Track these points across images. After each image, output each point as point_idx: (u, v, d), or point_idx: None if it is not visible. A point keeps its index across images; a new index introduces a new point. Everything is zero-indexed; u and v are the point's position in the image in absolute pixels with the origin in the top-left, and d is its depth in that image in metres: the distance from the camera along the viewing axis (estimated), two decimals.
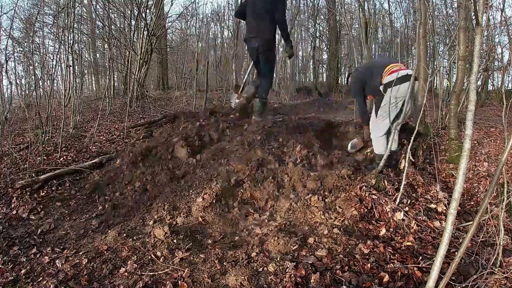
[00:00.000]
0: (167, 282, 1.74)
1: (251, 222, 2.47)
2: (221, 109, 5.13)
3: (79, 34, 8.14)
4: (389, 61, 3.23)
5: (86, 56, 12.64)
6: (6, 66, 5.34)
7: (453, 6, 10.49)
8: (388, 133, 3.13)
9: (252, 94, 3.99)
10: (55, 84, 6.20)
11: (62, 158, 3.94)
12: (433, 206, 2.57)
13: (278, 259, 1.89)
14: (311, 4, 14.01)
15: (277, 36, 4.24)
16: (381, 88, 3.11)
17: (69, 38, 4.84)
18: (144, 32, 7.86)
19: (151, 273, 1.83)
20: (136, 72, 7.87)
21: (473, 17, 1.47)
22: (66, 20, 4.86)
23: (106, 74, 9.77)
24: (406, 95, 2.97)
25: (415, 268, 1.76)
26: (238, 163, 3.19)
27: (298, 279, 1.67)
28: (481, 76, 8.37)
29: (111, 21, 9.99)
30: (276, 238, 2.09)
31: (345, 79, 3.47)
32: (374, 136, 3.26)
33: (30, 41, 8.31)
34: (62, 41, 5.01)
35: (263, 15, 3.72)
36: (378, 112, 3.18)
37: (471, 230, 1.35)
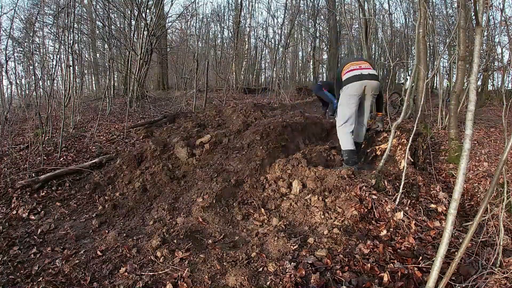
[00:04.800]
0: (167, 282, 1.74)
1: (251, 222, 2.47)
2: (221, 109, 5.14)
3: (79, 34, 8.16)
4: (349, 60, 3.33)
5: (86, 56, 12.65)
6: (6, 66, 5.35)
7: (453, 6, 10.50)
8: (352, 131, 3.20)
9: None
10: (55, 84, 6.20)
11: (62, 158, 3.94)
12: (433, 206, 2.57)
13: (278, 259, 1.89)
14: (311, 4, 14.00)
15: None
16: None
17: (69, 38, 4.83)
18: (144, 32, 7.85)
19: (151, 273, 1.83)
20: (136, 72, 7.87)
21: (473, 17, 1.47)
22: (66, 20, 4.86)
23: (106, 74, 9.76)
24: (358, 94, 3.10)
25: (415, 268, 1.75)
26: (238, 163, 3.19)
27: (298, 279, 1.67)
28: (481, 76, 8.37)
29: (111, 21, 9.99)
30: (276, 238, 2.08)
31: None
32: (338, 132, 3.26)
33: (30, 41, 8.31)
34: (62, 41, 5.01)
35: None
36: (337, 111, 3.31)
37: (471, 230, 1.35)
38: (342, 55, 15.18)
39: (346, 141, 3.18)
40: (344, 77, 3.19)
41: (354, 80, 3.09)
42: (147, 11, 8.46)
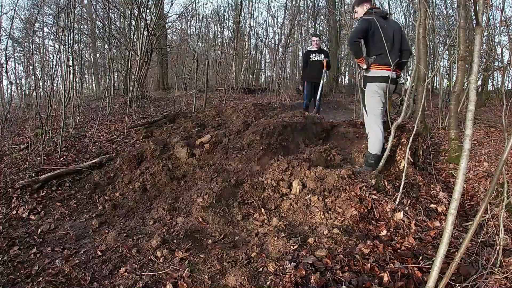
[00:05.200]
0: (167, 282, 1.74)
1: (251, 222, 2.47)
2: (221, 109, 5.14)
3: (79, 34, 8.17)
4: (385, 48, 2.85)
5: (86, 56, 12.65)
6: (6, 66, 5.36)
7: (453, 6, 10.50)
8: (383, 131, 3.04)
9: None
10: (55, 84, 6.20)
11: (62, 158, 3.94)
12: (433, 206, 2.57)
13: (278, 259, 1.89)
14: (311, 4, 14.00)
15: None
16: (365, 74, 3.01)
17: (69, 38, 4.83)
18: (144, 32, 7.85)
19: (151, 273, 1.83)
20: (136, 72, 7.87)
21: (473, 17, 1.47)
22: (66, 20, 4.86)
23: (106, 74, 9.77)
24: (384, 94, 2.98)
25: (415, 268, 1.75)
26: (238, 163, 3.19)
27: (298, 279, 1.67)
28: (481, 76, 8.37)
29: (111, 21, 9.99)
30: (276, 238, 2.09)
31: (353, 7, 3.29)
32: (373, 134, 3.05)
33: (30, 41, 8.32)
34: (62, 41, 5.01)
35: None
36: (367, 109, 3.09)
37: (471, 230, 1.35)
38: (342, 55, 15.17)
39: (379, 144, 2.94)
40: (379, 72, 2.94)
41: (386, 81, 2.93)
42: (147, 11, 8.46)
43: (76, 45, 6.05)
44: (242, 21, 13.75)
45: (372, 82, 2.99)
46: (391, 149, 2.99)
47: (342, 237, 2.05)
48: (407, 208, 2.39)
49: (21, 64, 9.18)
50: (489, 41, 8.33)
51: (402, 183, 2.49)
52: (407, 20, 13.64)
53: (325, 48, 5.84)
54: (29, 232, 2.50)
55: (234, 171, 3.10)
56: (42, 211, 2.88)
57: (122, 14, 10.35)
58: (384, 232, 2.17)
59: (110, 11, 9.67)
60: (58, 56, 5.42)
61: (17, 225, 2.65)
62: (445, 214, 2.43)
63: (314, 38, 5.74)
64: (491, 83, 9.61)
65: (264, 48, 15.41)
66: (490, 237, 2.11)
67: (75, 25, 6.03)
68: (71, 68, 5.59)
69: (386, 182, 2.68)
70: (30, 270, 1.96)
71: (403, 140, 3.44)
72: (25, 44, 8.65)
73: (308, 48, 5.78)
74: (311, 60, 5.66)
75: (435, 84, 10.99)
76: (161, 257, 1.98)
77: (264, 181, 2.94)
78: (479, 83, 8.61)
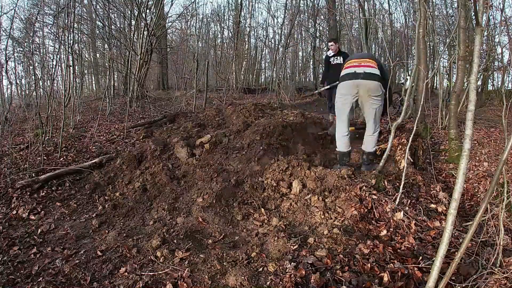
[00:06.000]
0: (167, 282, 1.74)
1: (251, 222, 2.47)
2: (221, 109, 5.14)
3: (79, 34, 8.16)
4: (354, 56, 3.18)
5: (86, 56, 12.65)
6: (6, 66, 5.36)
7: (453, 6, 10.50)
8: (346, 135, 3.08)
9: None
10: (55, 84, 6.20)
11: (62, 158, 3.94)
12: (433, 206, 2.57)
13: (278, 259, 1.89)
14: (311, 4, 14.00)
15: None
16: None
17: (69, 38, 4.83)
18: (144, 32, 7.85)
19: (151, 273, 1.83)
20: (136, 72, 7.87)
21: (473, 17, 1.47)
22: (66, 20, 4.86)
23: (106, 74, 9.77)
24: (350, 94, 2.95)
25: (415, 268, 1.75)
26: (238, 163, 3.19)
27: (298, 279, 1.67)
28: (481, 76, 8.37)
29: (111, 21, 10.00)
30: (276, 238, 2.09)
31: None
32: (336, 133, 3.18)
33: (30, 41, 8.31)
34: (62, 41, 5.02)
35: None
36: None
37: (471, 230, 1.35)
38: None
39: (338, 142, 3.15)
40: (341, 73, 3.10)
41: (347, 78, 2.98)
42: (147, 11, 8.46)
43: (76, 45, 6.05)
44: (242, 21, 13.77)
45: None
46: (391, 149, 2.99)
47: (342, 237, 2.05)
48: (407, 208, 2.39)
49: (21, 64, 9.17)
50: (489, 41, 8.33)
51: (402, 183, 2.49)
52: (407, 20, 13.66)
53: (344, 50, 5.85)
54: (29, 232, 2.50)
55: (234, 171, 3.10)
56: (42, 211, 2.88)
57: (122, 14, 10.35)
58: (384, 232, 2.17)
59: (110, 11, 9.67)
60: (58, 56, 5.44)
61: (17, 225, 2.65)
62: (445, 214, 2.43)
63: (329, 44, 5.60)
64: (491, 83, 9.62)
65: (264, 48, 15.44)
66: (490, 237, 2.11)
67: (75, 25, 6.04)
68: (71, 68, 5.59)
69: (386, 182, 2.68)
70: (30, 270, 1.96)
71: (403, 140, 3.44)
72: (25, 44, 8.65)
73: (327, 54, 5.65)
74: (332, 64, 5.62)
75: (435, 84, 10.99)
76: (161, 257, 1.98)
77: (264, 181, 2.94)
78: (479, 83, 8.61)
